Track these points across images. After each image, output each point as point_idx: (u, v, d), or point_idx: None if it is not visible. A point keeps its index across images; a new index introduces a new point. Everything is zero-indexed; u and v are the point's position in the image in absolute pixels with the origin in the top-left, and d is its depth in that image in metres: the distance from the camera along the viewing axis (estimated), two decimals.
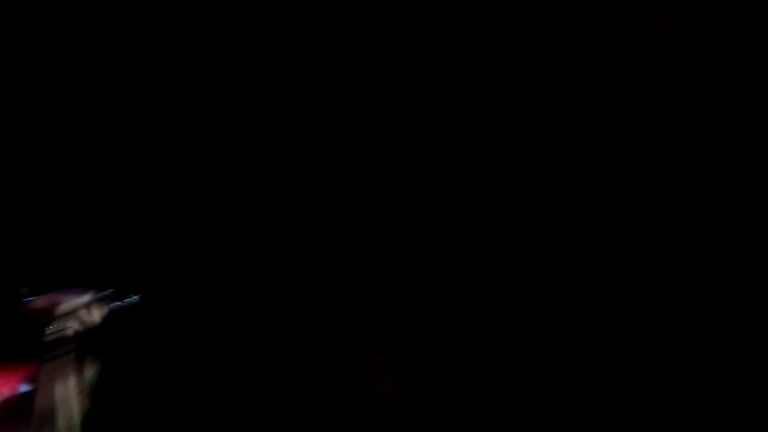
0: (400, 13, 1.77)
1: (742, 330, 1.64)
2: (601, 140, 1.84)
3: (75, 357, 0.56)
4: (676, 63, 1.58)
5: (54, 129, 1.67)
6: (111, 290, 0.61)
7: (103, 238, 1.81)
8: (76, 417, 0.53)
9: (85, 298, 0.55)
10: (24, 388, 0.56)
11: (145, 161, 1.85)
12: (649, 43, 1.60)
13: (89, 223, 1.73)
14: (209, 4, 1.76)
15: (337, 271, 1.90)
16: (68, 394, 0.55)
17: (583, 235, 1.85)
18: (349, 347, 1.64)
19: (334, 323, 1.81)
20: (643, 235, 1.80)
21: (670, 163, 1.77)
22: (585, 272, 1.84)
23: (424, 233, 1.80)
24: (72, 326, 0.55)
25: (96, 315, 0.56)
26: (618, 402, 1.72)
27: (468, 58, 1.82)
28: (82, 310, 0.53)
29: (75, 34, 1.61)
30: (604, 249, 1.83)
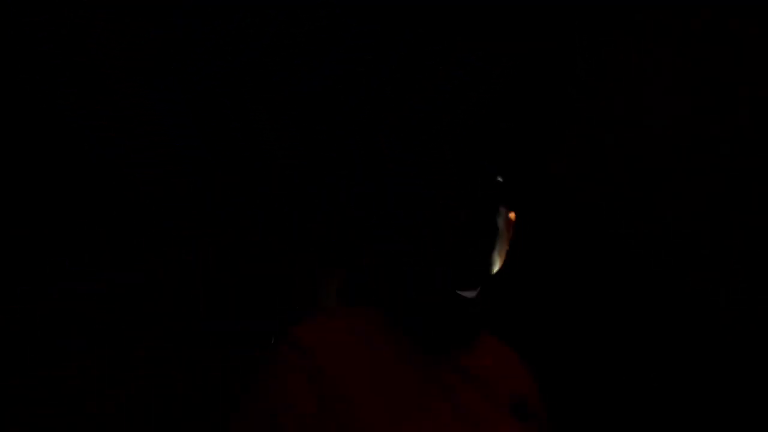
0: (400, 13, 1.77)
1: (742, 330, 1.65)
2: (601, 140, 1.84)
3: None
4: (676, 63, 1.58)
5: (54, 129, 1.67)
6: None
7: (101, 237, 1.81)
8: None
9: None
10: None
11: (145, 161, 1.85)
12: (649, 43, 1.60)
13: (88, 221, 1.73)
14: (209, 4, 1.76)
15: (335, 270, 1.90)
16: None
17: (583, 235, 1.85)
18: None
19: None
20: (643, 235, 1.80)
21: (670, 163, 1.77)
22: (585, 272, 1.84)
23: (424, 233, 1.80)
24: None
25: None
26: (617, 401, 1.72)
27: (468, 58, 1.82)
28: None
29: (75, 34, 1.61)
30: (604, 249, 1.83)
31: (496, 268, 0.85)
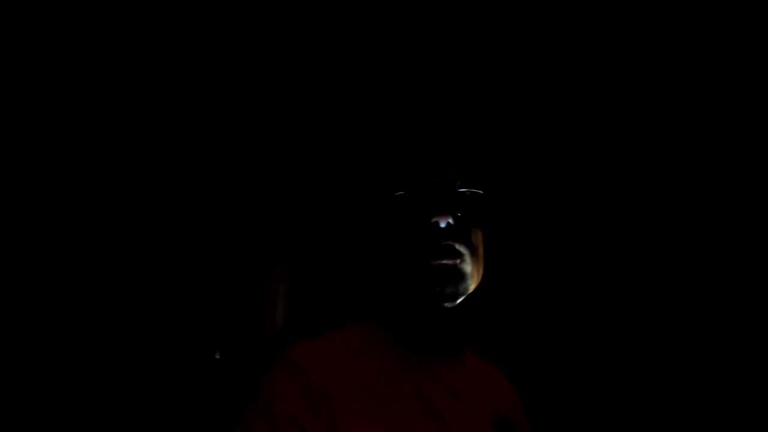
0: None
1: (741, 330, 1.64)
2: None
3: None
4: None
5: None
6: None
7: None
8: None
9: None
10: None
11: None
12: None
13: None
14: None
15: (333, 268, 1.90)
16: None
17: (583, 235, 1.85)
18: None
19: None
20: (643, 236, 1.80)
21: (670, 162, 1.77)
22: (584, 273, 1.84)
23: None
24: None
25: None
26: (617, 402, 1.72)
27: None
28: None
29: None
30: (604, 249, 1.83)
31: (474, 283, 0.87)
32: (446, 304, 0.85)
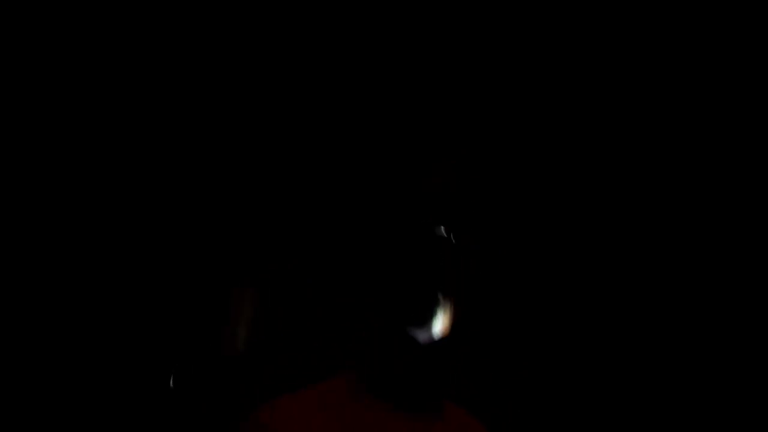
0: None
1: (741, 330, 1.64)
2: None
3: None
4: None
5: None
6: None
7: None
8: None
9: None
10: None
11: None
12: None
13: None
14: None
15: (335, 269, 1.90)
16: None
17: (582, 236, 1.85)
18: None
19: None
20: (644, 235, 1.80)
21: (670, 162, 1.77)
22: (584, 273, 1.83)
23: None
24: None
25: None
26: (617, 402, 1.72)
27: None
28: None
29: None
30: (604, 249, 1.83)
31: (449, 317, 0.84)
32: (420, 334, 0.82)
